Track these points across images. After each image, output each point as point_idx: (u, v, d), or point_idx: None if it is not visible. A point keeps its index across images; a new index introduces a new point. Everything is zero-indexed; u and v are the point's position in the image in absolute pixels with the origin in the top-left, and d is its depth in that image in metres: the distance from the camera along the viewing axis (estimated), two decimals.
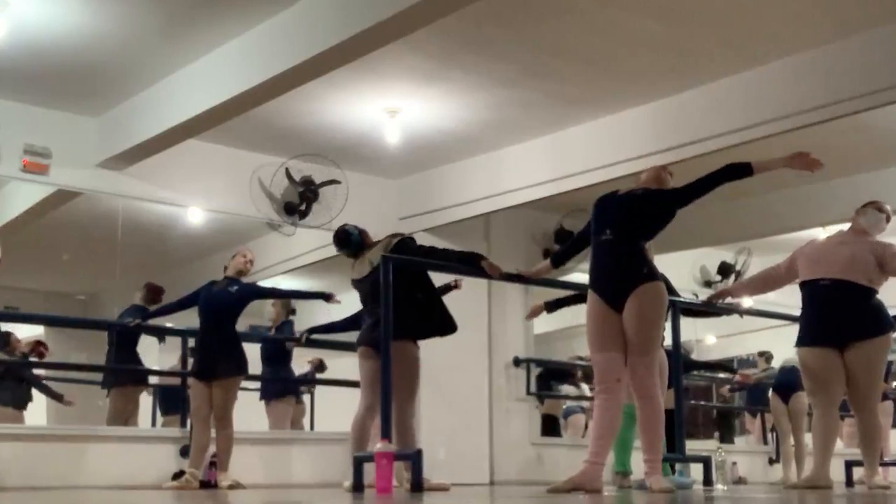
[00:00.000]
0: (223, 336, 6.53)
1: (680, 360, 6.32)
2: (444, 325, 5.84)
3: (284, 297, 7.25)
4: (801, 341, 5.50)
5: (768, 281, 6.00)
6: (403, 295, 5.31)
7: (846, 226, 5.83)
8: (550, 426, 9.94)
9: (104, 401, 7.79)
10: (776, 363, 9.69)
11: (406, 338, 5.58)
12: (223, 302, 6.57)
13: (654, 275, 4.58)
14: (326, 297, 7.02)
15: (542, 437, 9.32)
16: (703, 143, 6.61)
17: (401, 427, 5.48)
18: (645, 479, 4.60)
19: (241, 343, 6.67)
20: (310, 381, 8.57)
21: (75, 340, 8.76)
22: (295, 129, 7.40)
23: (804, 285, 5.50)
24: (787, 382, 8.67)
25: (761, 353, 10.61)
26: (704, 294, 9.68)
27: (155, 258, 8.95)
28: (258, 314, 8.33)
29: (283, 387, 8.32)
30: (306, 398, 8.89)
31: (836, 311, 5.35)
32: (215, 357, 6.45)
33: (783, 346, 10.53)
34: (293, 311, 8.51)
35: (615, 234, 4.61)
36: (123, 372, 7.68)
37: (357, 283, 5.96)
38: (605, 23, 5.69)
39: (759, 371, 10.34)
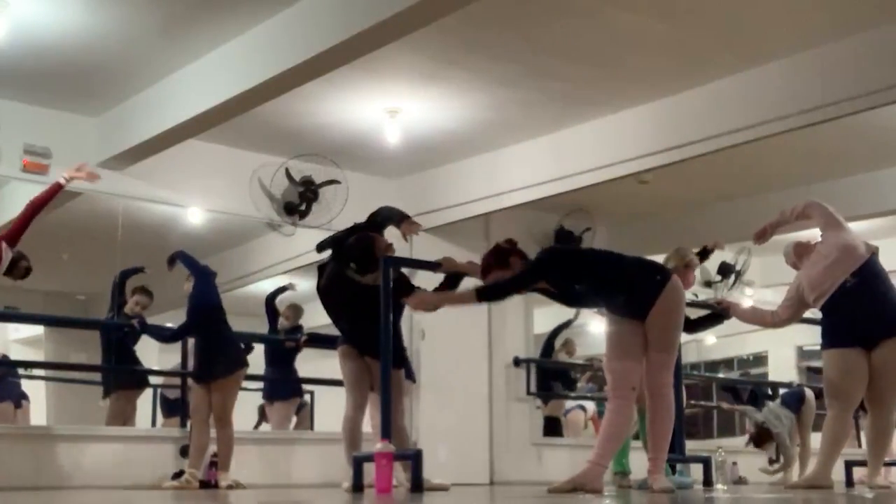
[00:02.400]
0: (216, 336, 6.54)
1: (680, 360, 6.31)
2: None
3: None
4: (827, 344, 5.46)
5: (760, 319, 6.11)
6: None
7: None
8: (553, 428, 9.93)
9: (104, 401, 7.78)
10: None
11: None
12: (195, 298, 6.65)
13: (665, 277, 4.57)
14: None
15: (541, 437, 9.32)
16: (703, 143, 6.62)
17: (392, 428, 5.46)
18: (648, 476, 4.60)
19: (234, 340, 6.66)
20: (311, 380, 8.57)
21: (75, 340, 8.76)
22: (295, 129, 7.40)
23: (830, 297, 5.46)
24: (796, 395, 8.79)
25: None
26: (704, 294, 9.70)
27: (155, 258, 8.93)
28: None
29: (287, 388, 8.33)
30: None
31: (864, 309, 5.30)
32: (211, 359, 6.46)
33: (783, 346, 10.57)
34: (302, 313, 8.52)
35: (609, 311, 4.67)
36: (123, 375, 7.67)
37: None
38: (605, 23, 5.69)
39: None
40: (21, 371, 8.66)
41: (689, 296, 6.41)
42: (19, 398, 8.31)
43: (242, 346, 7.05)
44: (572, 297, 5.02)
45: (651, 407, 4.59)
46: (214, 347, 6.51)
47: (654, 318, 4.51)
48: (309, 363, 8.70)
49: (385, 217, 6.01)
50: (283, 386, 8.37)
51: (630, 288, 4.57)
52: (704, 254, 6.66)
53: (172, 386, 8.11)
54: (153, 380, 8.28)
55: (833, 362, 5.39)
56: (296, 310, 8.40)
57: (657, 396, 4.55)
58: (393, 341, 5.42)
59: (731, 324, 8.04)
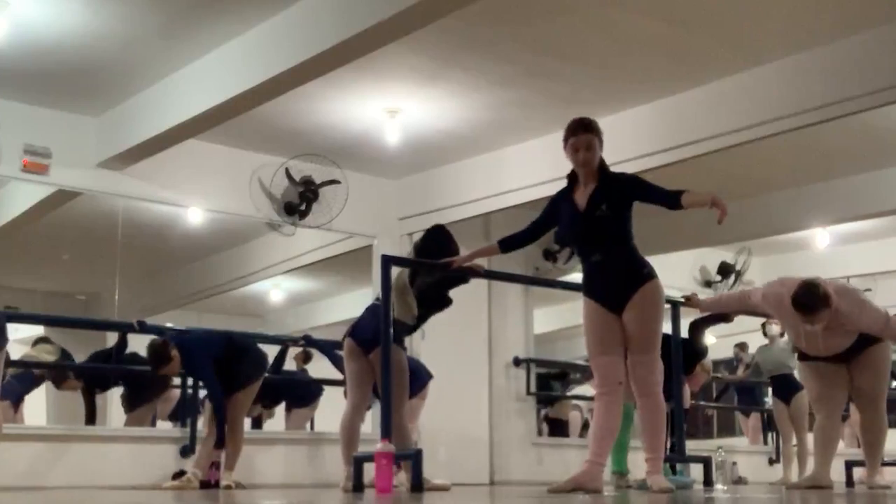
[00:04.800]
0: (227, 353, 6.46)
1: (680, 360, 6.32)
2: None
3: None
4: (804, 356, 5.47)
5: (735, 308, 6.01)
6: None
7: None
8: (557, 430, 9.93)
9: (104, 400, 7.79)
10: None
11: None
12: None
13: (651, 273, 4.56)
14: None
15: (541, 438, 9.33)
16: (703, 143, 6.61)
17: (395, 428, 5.45)
18: (646, 477, 4.60)
19: (249, 346, 6.60)
20: (317, 381, 8.58)
21: (75, 341, 8.76)
22: (295, 129, 7.40)
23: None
24: (785, 385, 8.64)
25: (738, 345, 10.59)
26: (704, 294, 9.71)
27: (155, 258, 8.95)
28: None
29: (308, 393, 8.35)
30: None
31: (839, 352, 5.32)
32: (231, 371, 6.40)
33: None
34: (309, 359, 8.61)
35: (605, 256, 4.54)
36: (141, 393, 7.67)
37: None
38: (605, 23, 5.69)
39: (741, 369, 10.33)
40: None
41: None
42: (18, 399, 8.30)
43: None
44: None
45: (641, 408, 4.58)
46: (231, 360, 6.44)
47: (631, 316, 4.47)
48: (312, 363, 8.72)
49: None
50: (302, 392, 8.40)
51: (619, 270, 4.50)
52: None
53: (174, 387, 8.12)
54: None
55: (810, 374, 5.41)
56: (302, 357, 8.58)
57: (645, 397, 4.54)
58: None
59: (731, 324, 8.06)
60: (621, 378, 4.52)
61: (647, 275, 4.53)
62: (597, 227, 4.56)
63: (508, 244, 5.06)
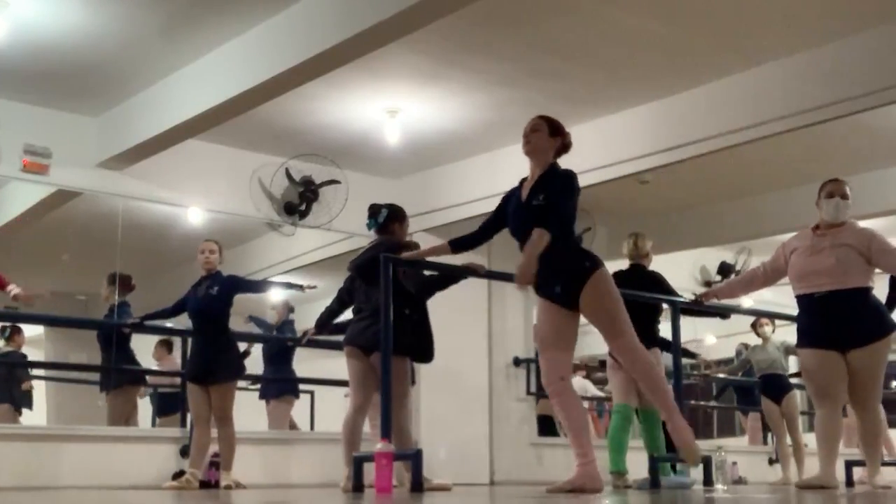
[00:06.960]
0: (216, 339, 6.46)
1: (680, 360, 6.31)
2: (423, 352, 5.78)
3: (263, 290, 7.17)
4: (802, 343, 5.45)
5: (753, 282, 5.93)
6: (395, 307, 5.20)
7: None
8: (547, 426, 9.92)
9: (104, 401, 7.79)
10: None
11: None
12: (208, 305, 6.46)
13: (596, 263, 4.48)
14: (300, 287, 6.83)
15: (542, 437, 9.31)
16: (703, 143, 6.62)
17: (395, 430, 5.45)
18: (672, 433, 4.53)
19: (235, 344, 6.62)
20: (311, 380, 8.57)
21: (75, 340, 8.76)
22: (295, 129, 7.40)
23: (799, 298, 5.44)
24: (775, 385, 8.61)
25: (743, 344, 10.62)
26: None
27: (155, 258, 8.95)
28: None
29: (283, 386, 8.34)
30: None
31: (835, 319, 5.25)
32: (211, 362, 6.40)
33: None
34: (292, 310, 8.55)
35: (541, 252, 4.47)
36: (119, 373, 7.68)
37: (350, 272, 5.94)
38: (605, 23, 5.69)
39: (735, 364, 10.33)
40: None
41: (689, 296, 6.44)
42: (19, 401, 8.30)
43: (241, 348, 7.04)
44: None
45: (641, 381, 4.59)
46: (214, 350, 6.45)
47: (588, 310, 4.43)
48: (311, 363, 8.71)
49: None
50: (279, 384, 8.39)
51: (558, 263, 4.45)
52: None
53: (168, 385, 8.12)
54: (151, 379, 8.29)
55: (810, 361, 5.37)
56: (283, 305, 8.48)
57: (639, 372, 4.49)
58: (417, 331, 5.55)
59: (731, 324, 8.06)
60: (563, 374, 4.49)
61: (589, 268, 4.45)
62: (531, 219, 4.51)
63: (459, 245, 5.08)
